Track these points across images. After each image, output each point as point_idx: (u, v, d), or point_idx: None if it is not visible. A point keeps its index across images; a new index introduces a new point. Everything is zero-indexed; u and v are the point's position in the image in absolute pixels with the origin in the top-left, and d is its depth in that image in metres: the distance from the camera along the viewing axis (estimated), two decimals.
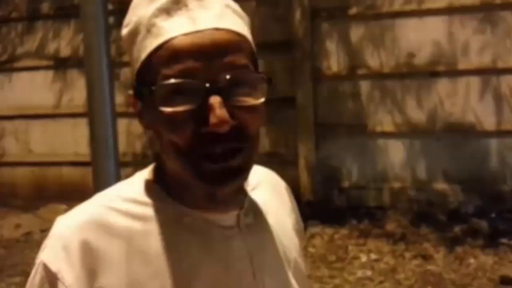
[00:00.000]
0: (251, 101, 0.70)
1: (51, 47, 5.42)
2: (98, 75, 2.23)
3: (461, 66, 4.22)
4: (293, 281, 0.83)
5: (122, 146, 2.59)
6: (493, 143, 4.18)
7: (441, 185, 4.27)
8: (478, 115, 4.20)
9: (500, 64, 4.15)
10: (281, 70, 4.53)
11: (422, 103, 4.31)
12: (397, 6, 4.33)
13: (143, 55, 0.72)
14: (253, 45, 0.76)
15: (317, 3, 4.48)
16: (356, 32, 4.43)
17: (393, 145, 4.39)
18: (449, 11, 4.21)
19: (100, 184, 2.25)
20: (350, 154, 4.48)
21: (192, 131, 0.69)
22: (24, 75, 5.52)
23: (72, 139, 5.33)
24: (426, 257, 3.65)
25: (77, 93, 5.23)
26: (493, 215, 4.00)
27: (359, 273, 3.52)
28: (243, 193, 0.81)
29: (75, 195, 4.69)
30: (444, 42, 4.24)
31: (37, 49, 5.47)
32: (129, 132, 4.76)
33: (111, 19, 2.37)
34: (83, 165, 5.02)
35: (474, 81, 4.20)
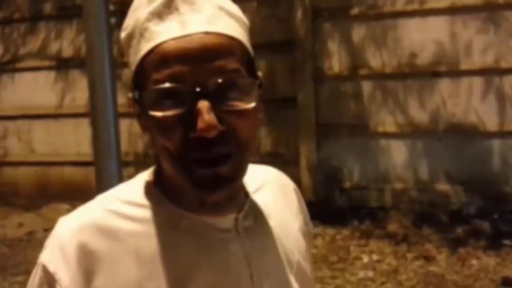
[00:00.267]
0: (241, 105, 0.70)
1: (53, 48, 5.43)
2: (100, 75, 2.23)
3: (464, 66, 4.21)
4: (295, 285, 0.82)
5: (123, 146, 2.59)
6: (496, 144, 4.17)
7: (443, 186, 4.26)
8: (480, 115, 4.19)
9: (503, 64, 4.13)
10: (282, 70, 4.53)
11: (424, 104, 4.30)
12: (399, 6, 4.32)
13: (137, 59, 0.72)
14: (249, 47, 0.75)
15: (319, 3, 4.48)
16: (358, 32, 4.43)
17: (395, 145, 4.39)
18: (452, 11, 4.20)
19: (102, 183, 2.26)
20: (352, 154, 4.47)
21: (181, 135, 0.69)
22: (27, 75, 5.53)
23: (74, 139, 5.34)
24: (428, 258, 3.65)
25: (79, 93, 5.25)
26: (495, 216, 4.00)
27: (361, 274, 3.52)
28: (241, 196, 0.81)
29: (77, 194, 4.72)
30: (446, 42, 4.23)
31: (39, 49, 5.48)
32: (131, 132, 4.76)
33: (112, 20, 2.37)
34: (85, 165, 5.04)
35: (477, 82, 4.19)
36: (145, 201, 0.76)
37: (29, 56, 5.53)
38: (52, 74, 5.45)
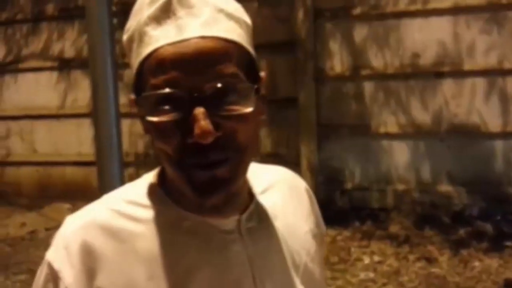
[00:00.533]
0: (239, 110, 0.69)
1: (55, 48, 5.45)
2: (103, 76, 2.23)
3: (467, 67, 4.20)
4: (300, 287, 0.82)
5: (124, 146, 2.59)
6: (498, 145, 4.16)
7: (445, 187, 4.25)
8: (483, 116, 4.18)
9: (507, 65, 4.12)
10: (284, 71, 4.53)
11: (427, 104, 4.29)
12: (401, 6, 4.32)
13: (136, 63, 0.72)
14: (249, 48, 0.74)
15: (320, 3, 4.47)
16: (360, 32, 4.42)
17: (397, 146, 4.38)
18: (455, 11, 4.19)
19: (104, 183, 2.26)
20: (353, 155, 4.47)
21: (178, 141, 0.69)
22: (29, 76, 5.55)
23: (76, 139, 5.36)
24: (430, 260, 3.64)
25: (81, 93, 5.27)
26: (498, 217, 3.99)
27: (362, 275, 3.51)
28: (243, 197, 0.80)
29: (78, 194, 4.74)
30: (449, 42, 4.22)
31: (41, 50, 5.50)
32: (132, 132, 4.77)
33: (114, 20, 2.37)
34: (86, 165, 5.06)
35: (480, 82, 4.18)
36: (149, 202, 0.77)
37: (31, 57, 5.54)
38: (54, 75, 5.47)
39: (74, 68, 5.33)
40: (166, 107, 0.68)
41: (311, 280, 0.85)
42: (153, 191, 0.78)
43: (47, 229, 4.52)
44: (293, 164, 4.41)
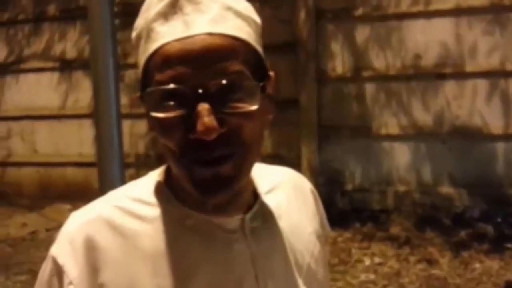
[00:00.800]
0: (244, 107, 0.68)
1: (57, 49, 5.45)
2: (104, 77, 2.24)
3: (469, 68, 4.19)
4: None
5: (125, 147, 2.60)
6: (500, 147, 4.16)
7: (446, 189, 4.25)
8: (485, 118, 4.17)
9: (509, 67, 4.11)
10: (285, 71, 4.53)
11: (428, 106, 4.29)
12: (403, 7, 4.31)
13: (143, 59, 0.72)
14: (257, 47, 0.74)
15: (322, 4, 4.47)
16: (362, 33, 4.42)
17: (398, 147, 4.37)
18: (457, 12, 4.18)
19: (105, 184, 2.26)
20: (354, 156, 4.47)
21: (181, 137, 0.69)
22: (31, 76, 5.56)
23: (77, 140, 5.37)
24: (431, 261, 3.64)
25: (82, 94, 5.27)
26: (498, 219, 3.98)
27: (362, 277, 3.51)
28: (247, 196, 0.80)
29: (79, 195, 4.74)
30: (451, 43, 4.22)
31: (43, 50, 5.51)
32: (132, 133, 4.78)
33: (116, 21, 2.37)
34: (87, 166, 5.06)
35: (482, 84, 4.18)
36: (153, 199, 0.77)
37: (33, 57, 5.55)
38: (55, 75, 5.47)
39: (76, 68, 5.34)
40: (171, 103, 0.68)
41: (314, 280, 0.85)
42: (159, 189, 0.78)
43: (47, 230, 4.53)
44: (293, 165, 4.38)
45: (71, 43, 5.38)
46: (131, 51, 0.75)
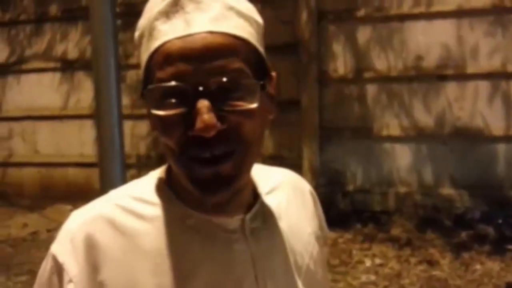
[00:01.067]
0: (243, 105, 0.69)
1: (58, 49, 5.46)
2: (106, 77, 2.24)
3: (470, 69, 4.19)
4: None
5: (126, 147, 2.60)
6: (501, 148, 4.16)
7: (447, 190, 4.24)
8: (486, 119, 4.17)
9: (510, 68, 4.11)
10: (287, 72, 4.52)
11: (430, 107, 4.29)
12: (405, 9, 4.31)
13: (144, 58, 0.73)
14: (258, 47, 0.74)
15: (324, 5, 4.47)
16: (363, 35, 4.42)
17: (399, 149, 4.37)
18: (459, 14, 4.18)
19: (106, 184, 2.26)
20: (355, 157, 4.47)
21: (181, 134, 0.69)
22: (32, 76, 5.56)
23: (78, 141, 5.37)
24: (431, 263, 3.63)
25: (83, 95, 5.28)
26: (499, 221, 3.98)
27: (363, 278, 3.51)
28: (247, 196, 0.80)
29: (80, 195, 4.73)
30: (453, 45, 4.22)
31: (44, 51, 5.51)
32: (134, 134, 4.78)
33: (118, 22, 2.38)
34: (88, 166, 5.06)
35: (483, 85, 4.17)
36: (154, 199, 0.78)
37: (34, 58, 5.55)
38: (57, 76, 5.47)
39: (77, 69, 5.34)
40: (172, 100, 0.68)
41: (313, 281, 0.86)
42: (160, 188, 0.79)
43: (48, 230, 4.53)
44: (295, 166, 4.41)
45: (72, 43, 5.39)
46: (134, 51, 0.75)
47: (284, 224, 0.84)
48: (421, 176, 4.32)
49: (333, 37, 4.49)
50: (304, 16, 4.45)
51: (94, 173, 2.46)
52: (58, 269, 0.73)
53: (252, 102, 0.70)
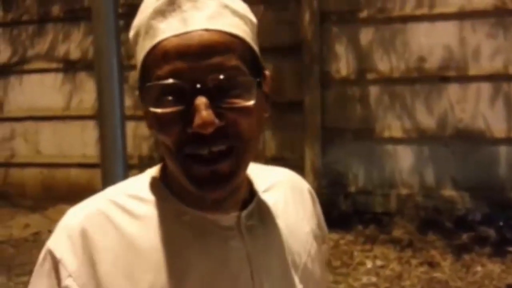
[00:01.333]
0: (241, 102, 0.70)
1: (60, 50, 5.46)
2: (108, 77, 2.24)
3: (472, 71, 4.19)
4: (299, 286, 0.82)
5: (128, 148, 2.60)
6: (503, 150, 4.16)
7: (449, 192, 4.24)
8: (488, 121, 4.17)
9: None
10: (289, 74, 4.53)
11: (432, 109, 4.29)
12: (408, 10, 4.32)
13: (141, 56, 0.73)
14: (253, 45, 0.75)
15: (327, 6, 4.47)
16: (366, 36, 4.42)
17: (401, 150, 4.37)
18: (461, 15, 4.19)
19: (108, 185, 2.24)
20: (357, 159, 4.47)
21: (179, 131, 0.69)
22: (34, 77, 5.56)
23: (80, 141, 5.37)
24: (432, 264, 3.63)
25: (86, 95, 5.28)
26: (501, 223, 3.98)
27: (364, 279, 3.51)
28: (244, 193, 0.81)
29: (82, 196, 4.69)
30: (455, 46, 4.22)
31: (47, 51, 5.52)
32: (136, 135, 4.78)
33: (120, 22, 2.38)
34: (90, 167, 5.07)
35: (485, 87, 4.18)
36: (149, 196, 0.78)
37: (36, 58, 5.56)
38: (59, 76, 5.48)
39: (79, 69, 5.35)
40: (169, 98, 0.69)
41: (311, 280, 0.86)
42: (155, 186, 0.79)
43: (50, 231, 4.48)
44: (297, 167, 4.40)
45: (75, 44, 5.40)
46: (131, 51, 0.75)
47: (281, 222, 0.84)
48: (423, 177, 4.32)
49: (336, 38, 4.49)
50: (306, 17, 4.45)
51: (96, 173, 2.46)
52: (56, 265, 0.73)
53: (249, 99, 0.70)
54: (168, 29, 0.70)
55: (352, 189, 4.46)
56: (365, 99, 4.44)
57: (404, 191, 4.35)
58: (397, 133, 4.36)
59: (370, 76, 4.41)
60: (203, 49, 0.69)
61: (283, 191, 0.88)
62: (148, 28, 0.72)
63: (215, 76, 0.68)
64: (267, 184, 0.86)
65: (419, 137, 4.32)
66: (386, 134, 4.38)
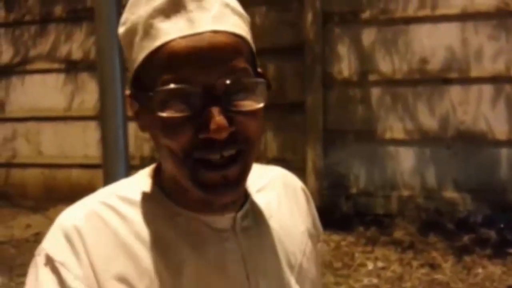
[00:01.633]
0: (250, 105, 0.69)
1: (63, 50, 5.47)
2: (110, 78, 2.24)
3: (474, 73, 4.18)
4: (295, 287, 0.82)
5: (130, 149, 2.60)
6: (504, 152, 4.15)
7: (450, 194, 4.24)
8: (490, 123, 4.17)
9: None
10: (292, 75, 4.53)
11: (434, 110, 4.29)
12: (410, 11, 4.31)
13: (141, 56, 0.71)
14: (252, 44, 0.74)
15: (329, 7, 4.46)
16: (368, 37, 4.42)
17: (402, 152, 4.37)
18: (463, 17, 4.18)
19: None
20: (359, 160, 4.46)
21: (189, 137, 0.68)
22: (36, 77, 5.57)
23: (82, 142, 5.38)
24: (433, 266, 3.63)
25: (87, 96, 5.29)
26: (502, 225, 3.98)
27: (365, 281, 3.50)
28: (242, 195, 0.80)
29: (83, 197, 4.74)
30: (457, 48, 4.22)
31: (49, 52, 5.52)
32: (137, 136, 4.78)
33: None
34: (92, 168, 5.07)
35: (487, 89, 4.17)
36: (141, 198, 0.77)
37: (38, 58, 5.56)
38: (61, 77, 5.48)
39: (81, 70, 5.35)
40: (178, 102, 0.67)
41: (306, 280, 0.85)
42: (148, 188, 0.78)
43: None
44: (298, 168, 4.41)
45: (77, 44, 5.40)
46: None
47: (275, 222, 0.83)
48: (424, 179, 4.32)
49: (338, 39, 4.49)
50: (309, 18, 4.44)
51: (98, 174, 2.47)
52: (56, 269, 0.70)
53: (258, 102, 0.70)
54: (173, 30, 0.68)
55: (354, 190, 4.46)
56: (367, 100, 4.43)
57: (405, 193, 4.34)
58: (398, 134, 4.36)
59: (372, 77, 4.41)
60: (213, 52, 0.67)
61: (276, 190, 0.87)
62: (148, 28, 0.70)
63: (226, 80, 0.67)
64: (260, 184, 0.86)
65: (420, 139, 4.31)
66: (388, 135, 4.38)
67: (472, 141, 4.19)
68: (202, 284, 0.74)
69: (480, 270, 3.54)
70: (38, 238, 4.58)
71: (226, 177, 0.69)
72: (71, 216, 0.74)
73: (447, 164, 4.25)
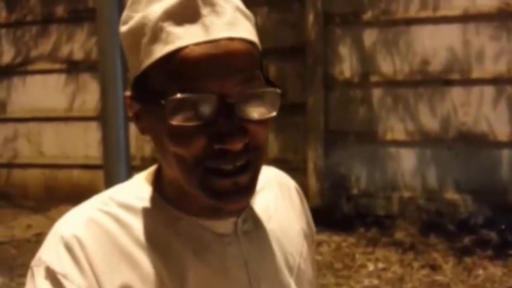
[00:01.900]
0: (263, 114, 0.68)
1: (64, 51, 5.47)
2: (112, 79, 2.25)
3: (476, 74, 4.18)
4: None
5: (131, 149, 2.60)
6: (506, 154, 4.15)
7: (451, 195, 4.24)
8: (491, 124, 4.16)
9: None
10: (293, 75, 4.53)
11: (435, 112, 4.29)
12: (412, 12, 4.31)
13: (149, 61, 0.67)
14: (260, 48, 0.72)
15: (331, 8, 4.47)
16: (370, 38, 4.42)
17: (403, 153, 4.37)
18: (465, 18, 4.18)
19: (111, 186, 2.27)
20: (360, 161, 4.46)
21: (202, 146, 0.66)
22: (37, 78, 5.58)
23: (83, 142, 5.38)
24: (434, 267, 3.63)
25: (89, 96, 5.29)
26: (503, 226, 3.97)
27: (366, 282, 3.50)
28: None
29: (85, 197, 4.71)
30: (459, 49, 4.22)
31: (50, 52, 5.53)
32: (138, 136, 4.76)
33: None
34: (93, 168, 5.07)
35: (488, 90, 4.17)
36: (140, 204, 0.75)
37: (40, 59, 5.57)
38: (62, 77, 5.49)
39: (83, 70, 5.36)
40: (192, 110, 0.65)
41: (304, 281, 0.85)
42: (147, 193, 0.76)
43: None
44: (299, 169, 4.41)
45: (78, 44, 5.41)
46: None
47: (274, 224, 0.82)
48: (425, 180, 4.32)
49: (340, 40, 4.49)
50: (310, 19, 4.45)
51: (99, 174, 2.48)
52: (58, 281, 0.68)
53: (272, 111, 0.68)
54: (187, 36, 0.65)
55: (355, 191, 4.46)
56: (368, 101, 4.43)
57: (406, 194, 4.34)
58: (400, 135, 4.36)
59: (373, 78, 4.41)
60: (229, 60, 0.65)
61: (273, 191, 0.87)
62: (158, 30, 0.66)
63: (241, 89, 0.65)
64: (258, 185, 0.84)
65: (422, 140, 4.31)
66: (389, 136, 4.38)
67: (473, 142, 4.19)
68: None
69: (481, 272, 3.54)
70: (39, 238, 4.58)
71: (237, 184, 0.68)
72: (70, 225, 0.71)
73: (448, 165, 4.25)
